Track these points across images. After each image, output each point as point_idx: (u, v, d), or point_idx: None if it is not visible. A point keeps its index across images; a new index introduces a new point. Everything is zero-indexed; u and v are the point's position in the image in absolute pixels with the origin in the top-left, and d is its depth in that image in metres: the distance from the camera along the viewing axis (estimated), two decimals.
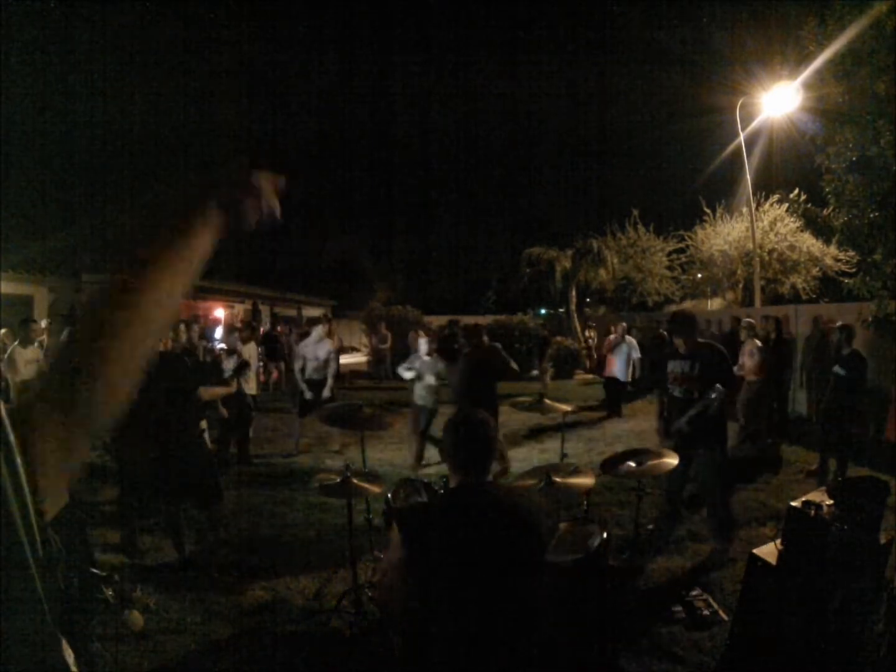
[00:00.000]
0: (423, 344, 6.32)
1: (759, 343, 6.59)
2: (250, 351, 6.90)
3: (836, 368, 5.54)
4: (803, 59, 8.02)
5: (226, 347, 6.21)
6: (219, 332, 6.56)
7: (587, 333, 18.43)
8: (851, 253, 12.82)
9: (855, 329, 5.70)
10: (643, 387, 10.19)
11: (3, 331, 7.13)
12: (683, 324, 4.06)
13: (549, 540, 1.60)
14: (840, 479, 5.39)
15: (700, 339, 4.08)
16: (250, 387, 6.69)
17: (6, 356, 5.76)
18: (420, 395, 6.04)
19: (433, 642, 1.56)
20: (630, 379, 9.14)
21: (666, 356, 4.19)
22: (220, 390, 4.64)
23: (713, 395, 3.73)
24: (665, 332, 11.55)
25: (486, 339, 5.61)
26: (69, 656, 0.59)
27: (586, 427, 8.58)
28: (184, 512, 3.85)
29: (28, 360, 5.81)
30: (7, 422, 0.51)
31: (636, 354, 9.08)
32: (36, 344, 6.07)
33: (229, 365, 5.94)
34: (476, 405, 4.60)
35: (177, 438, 3.61)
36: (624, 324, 9.87)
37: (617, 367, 9.07)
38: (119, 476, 4.28)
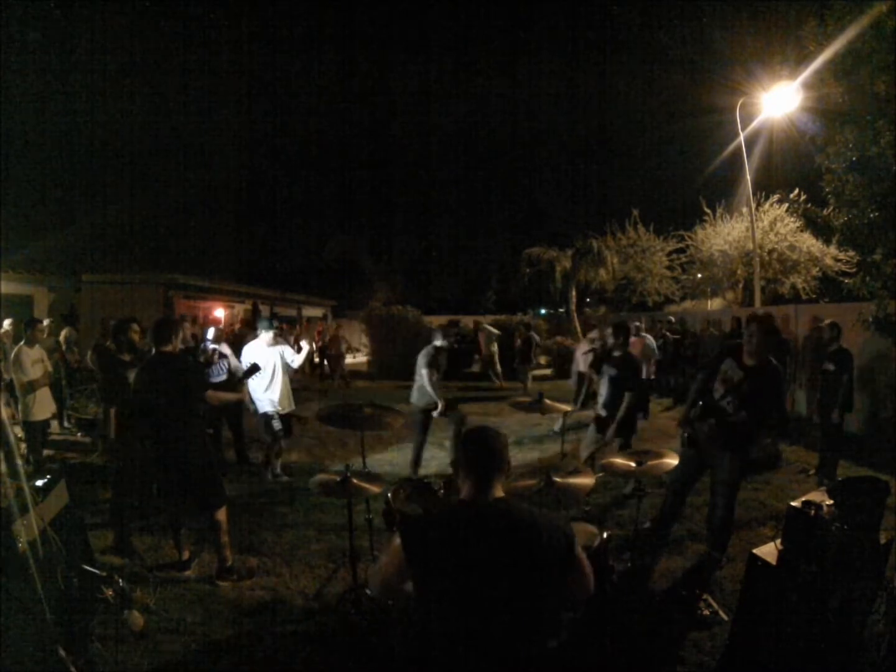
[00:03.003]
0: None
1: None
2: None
3: (826, 365, 5.64)
4: (803, 59, 8.01)
5: (217, 348, 6.07)
6: (210, 333, 6.30)
7: (590, 334, 18.42)
8: (851, 253, 12.81)
9: (840, 326, 5.72)
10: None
11: (3, 330, 7.12)
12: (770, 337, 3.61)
13: (560, 559, 1.55)
14: (827, 475, 5.42)
15: (771, 359, 3.64)
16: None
17: (12, 356, 5.78)
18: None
19: (433, 647, 1.56)
20: (651, 377, 9.10)
21: (725, 354, 3.76)
22: (230, 396, 4.53)
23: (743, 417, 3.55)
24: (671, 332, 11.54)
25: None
26: (65, 656, 0.59)
27: (586, 427, 8.56)
28: (184, 512, 3.85)
29: (34, 359, 5.83)
30: (7, 422, 0.51)
31: (656, 355, 9.06)
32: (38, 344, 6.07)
33: (223, 368, 5.85)
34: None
35: (178, 438, 3.60)
36: (637, 323, 9.93)
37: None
38: (118, 476, 4.28)
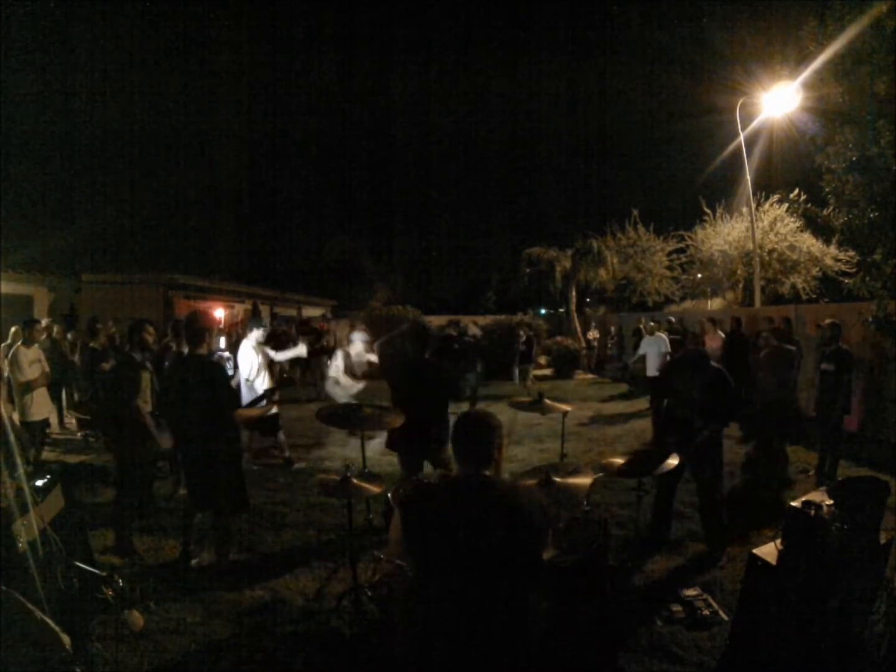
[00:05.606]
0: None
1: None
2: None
3: (824, 365, 5.61)
4: (803, 59, 8.02)
5: (228, 355, 6.05)
6: (223, 342, 6.28)
7: (589, 334, 18.43)
8: (851, 253, 12.82)
9: (841, 326, 5.69)
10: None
11: (13, 329, 7.10)
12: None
13: (543, 533, 1.75)
14: (827, 475, 5.42)
15: (714, 365, 3.95)
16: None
17: (10, 356, 5.78)
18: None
19: (433, 634, 1.61)
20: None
21: (675, 369, 4.09)
22: (254, 412, 4.45)
23: (706, 432, 3.72)
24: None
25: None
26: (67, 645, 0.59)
27: (586, 427, 8.58)
28: (196, 513, 3.85)
29: (31, 360, 5.83)
30: (8, 422, 0.51)
31: (665, 348, 9.13)
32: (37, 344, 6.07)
33: (228, 367, 5.86)
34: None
35: (207, 441, 3.59)
36: (652, 322, 10.27)
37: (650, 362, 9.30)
38: (118, 476, 4.28)
